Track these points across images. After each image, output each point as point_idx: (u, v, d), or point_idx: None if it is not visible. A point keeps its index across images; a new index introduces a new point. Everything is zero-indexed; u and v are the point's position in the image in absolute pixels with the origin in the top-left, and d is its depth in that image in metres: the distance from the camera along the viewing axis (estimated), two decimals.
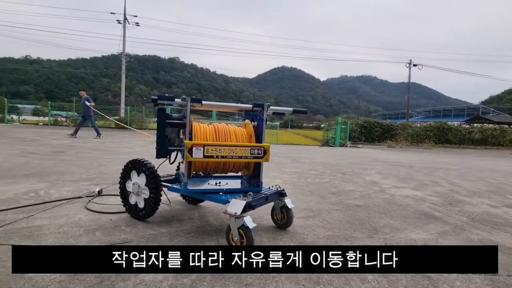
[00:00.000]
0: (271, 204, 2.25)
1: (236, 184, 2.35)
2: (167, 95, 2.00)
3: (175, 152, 2.34)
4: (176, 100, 1.99)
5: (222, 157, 1.99)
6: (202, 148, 1.93)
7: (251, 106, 2.27)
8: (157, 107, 2.12)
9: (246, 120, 2.42)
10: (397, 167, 6.58)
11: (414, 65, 30.86)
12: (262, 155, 2.11)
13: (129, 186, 2.35)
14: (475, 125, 19.50)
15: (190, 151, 1.91)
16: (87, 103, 10.22)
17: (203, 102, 2.08)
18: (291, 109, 2.51)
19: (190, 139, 2.05)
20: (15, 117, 20.87)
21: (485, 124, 20.73)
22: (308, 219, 2.56)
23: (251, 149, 2.09)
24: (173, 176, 2.50)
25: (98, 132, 10.25)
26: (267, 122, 2.32)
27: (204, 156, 1.95)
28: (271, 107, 2.28)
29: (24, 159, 4.95)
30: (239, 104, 2.35)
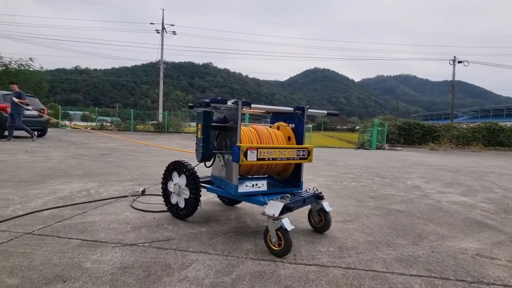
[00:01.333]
0: (308, 207, 2.24)
1: (265, 185, 2.37)
2: (219, 98, 2.00)
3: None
4: (228, 103, 2.00)
5: (273, 159, 2.02)
6: (255, 151, 1.96)
7: (292, 109, 2.32)
8: (202, 111, 2.15)
9: (280, 122, 2.44)
10: (442, 171, 6.15)
11: (459, 62, 28.71)
12: (306, 156, 2.17)
13: (171, 186, 2.46)
14: None
15: (245, 154, 1.93)
16: (14, 99, 8.64)
17: (252, 105, 2.12)
18: (325, 111, 2.52)
19: (239, 142, 2.08)
20: (67, 122, 22.86)
21: None
22: (346, 223, 2.49)
23: (297, 150, 2.13)
24: (209, 178, 2.57)
25: (31, 133, 8.98)
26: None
27: (258, 159, 1.97)
28: (309, 110, 2.30)
29: (76, 160, 5.41)
30: (282, 107, 2.38)
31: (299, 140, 2.27)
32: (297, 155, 2.14)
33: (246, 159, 1.93)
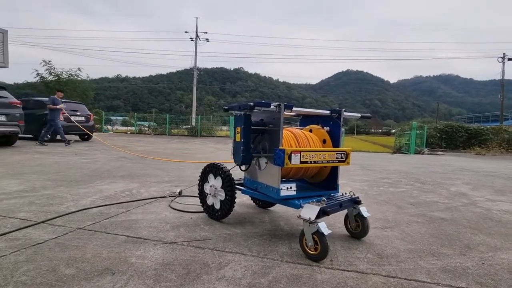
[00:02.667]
0: (344, 212, 2.19)
1: (294, 187, 2.33)
2: (263, 101, 1.99)
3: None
4: (272, 106, 2.00)
5: (315, 162, 2.02)
6: (299, 154, 1.96)
7: (328, 112, 2.31)
8: (242, 114, 2.15)
9: (312, 125, 2.42)
10: (491, 177, 5.66)
11: (510, 59, 26.35)
12: (344, 158, 2.16)
13: (207, 188, 2.54)
14: None
15: (290, 158, 1.93)
16: (51, 106, 9.02)
17: (293, 108, 2.11)
18: (358, 114, 2.47)
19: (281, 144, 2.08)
20: (109, 127, 24.49)
21: None
22: (385, 229, 2.39)
23: (336, 153, 2.13)
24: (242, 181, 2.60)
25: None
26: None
27: (301, 162, 1.97)
28: (346, 113, 2.28)
29: (119, 162, 5.78)
30: (320, 110, 2.37)
31: (336, 143, 2.25)
32: (336, 158, 2.12)
33: (291, 162, 1.92)
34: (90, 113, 11.42)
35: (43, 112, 9.95)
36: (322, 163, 2.06)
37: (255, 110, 2.00)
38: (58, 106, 9.05)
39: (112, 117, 28.61)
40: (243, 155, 2.17)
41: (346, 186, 4.16)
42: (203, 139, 18.15)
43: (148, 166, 5.42)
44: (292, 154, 1.93)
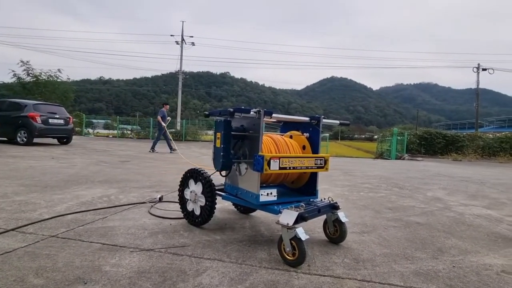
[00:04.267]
0: (323, 217, 2.22)
1: (274, 193, 2.34)
2: (243, 107, 2.00)
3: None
4: (251, 112, 2.01)
5: (294, 168, 2.04)
6: (278, 160, 1.97)
7: (308, 118, 2.35)
8: (222, 120, 2.16)
9: (293, 132, 2.46)
10: (465, 182, 5.90)
11: (484, 70, 27.70)
12: (323, 165, 2.19)
13: (187, 193, 2.52)
14: None
15: (269, 164, 1.94)
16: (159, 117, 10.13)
17: (273, 114, 2.13)
18: (337, 121, 2.51)
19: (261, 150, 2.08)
20: (90, 130, 23.79)
21: None
22: (362, 234, 2.44)
23: (315, 159, 2.16)
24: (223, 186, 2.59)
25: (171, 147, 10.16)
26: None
27: (280, 168, 1.98)
28: (325, 120, 2.33)
29: (98, 167, 5.62)
30: (300, 117, 2.40)
31: (315, 149, 2.28)
32: (315, 164, 2.16)
33: (270, 168, 1.94)
34: (70, 116, 11.07)
35: (19, 114, 9.57)
36: (301, 169, 2.09)
37: (235, 116, 2.00)
38: (162, 121, 9.95)
39: (93, 120, 27.83)
40: (223, 161, 2.17)
41: (327, 191, 4.22)
42: (187, 143, 17.95)
43: (128, 171, 5.30)
44: (271, 160, 1.94)
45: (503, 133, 16.75)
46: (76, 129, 17.17)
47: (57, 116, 10.22)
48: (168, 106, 10.65)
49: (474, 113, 30.24)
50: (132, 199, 3.24)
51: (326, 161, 2.20)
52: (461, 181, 6.04)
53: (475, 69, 28.06)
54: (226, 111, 2.00)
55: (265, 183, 2.32)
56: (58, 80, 20.39)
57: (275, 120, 2.43)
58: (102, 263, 1.70)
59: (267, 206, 2.07)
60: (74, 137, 12.57)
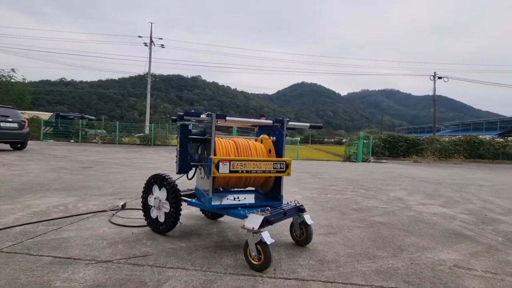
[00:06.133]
0: (290, 220, 2.23)
1: (251, 198, 2.36)
2: (193, 111, 2.03)
3: (194, 168, 2.39)
4: (202, 116, 2.02)
5: (247, 172, 2.02)
6: (228, 163, 1.96)
7: (271, 122, 2.32)
8: (179, 124, 2.18)
9: (263, 135, 2.45)
10: (424, 183, 6.29)
11: (439, 78, 29.92)
12: (284, 169, 2.14)
13: (151, 200, 2.41)
14: (509, 138, 18.34)
15: (217, 166, 1.93)
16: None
17: (227, 118, 2.12)
18: (308, 124, 2.53)
19: (214, 154, 2.08)
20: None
21: None
22: (328, 236, 2.49)
23: (274, 163, 2.12)
24: (193, 191, 2.54)
25: None
26: (287, 137, 2.35)
27: (230, 171, 1.97)
28: (290, 123, 2.32)
29: (56, 174, 5.24)
30: (260, 120, 2.40)
31: (279, 153, 2.28)
32: (274, 168, 2.12)
33: (218, 171, 1.93)
34: (25, 119, 10.25)
35: None
36: (256, 173, 2.06)
37: (185, 120, 2.05)
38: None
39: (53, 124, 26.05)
40: (180, 164, 2.20)
41: (296, 194, 4.27)
42: (156, 148, 17.39)
43: (90, 178, 5.00)
44: (220, 163, 1.94)
45: (457, 136, 18.19)
46: (34, 133, 15.94)
47: (10, 120, 9.42)
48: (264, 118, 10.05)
49: (432, 118, 32.51)
50: (92, 208, 3.05)
51: (287, 166, 2.16)
52: (420, 182, 6.43)
53: (431, 77, 30.22)
54: (178, 115, 2.04)
55: (226, 187, 2.31)
56: (12, 80, 18.88)
57: (230, 123, 2.38)
58: (52, 278, 1.56)
59: (230, 211, 2.04)
60: (30, 142, 11.67)
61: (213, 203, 2.05)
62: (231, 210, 2.04)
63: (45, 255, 1.85)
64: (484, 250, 2.31)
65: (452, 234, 2.70)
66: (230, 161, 1.96)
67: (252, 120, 2.39)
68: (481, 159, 15.73)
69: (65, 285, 1.50)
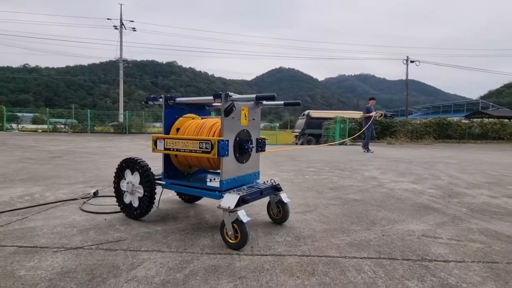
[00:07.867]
0: (267, 199, 2.24)
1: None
2: (152, 95, 2.24)
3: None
4: (160, 99, 2.21)
5: (177, 150, 2.04)
6: (163, 141, 2.05)
7: (211, 97, 1.98)
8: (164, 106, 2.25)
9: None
10: (396, 162, 6.55)
11: (412, 62, 30.87)
12: (209, 149, 1.86)
13: (123, 185, 2.33)
14: (475, 120, 19.47)
15: (156, 143, 2.07)
16: (366, 114, 9.56)
17: (177, 99, 2.23)
18: (282, 102, 2.31)
19: (168, 132, 2.20)
20: (14, 125, 20.88)
21: (485, 119, 20.66)
22: (305, 213, 2.53)
23: (199, 142, 1.91)
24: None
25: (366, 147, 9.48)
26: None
27: (165, 149, 2.06)
28: (234, 96, 1.95)
29: (21, 164, 4.94)
30: (204, 98, 2.17)
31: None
32: (199, 148, 1.91)
33: (156, 147, 2.08)
34: None
35: None
36: (185, 151, 2.00)
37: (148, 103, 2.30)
38: (370, 114, 9.37)
39: (19, 114, 24.44)
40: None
41: (274, 176, 4.31)
42: (132, 136, 16.84)
43: (59, 167, 4.76)
44: (157, 141, 2.07)
45: (428, 119, 19.01)
46: None
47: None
48: (373, 101, 9.70)
49: (405, 102, 33.73)
50: (61, 197, 2.91)
51: (213, 146, 1.84)
52: (393, 162, 6.69)
53: (404, 61, 31.11)
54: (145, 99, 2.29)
55: (190, 168, 2.38)
56: None
57: (184, 104, 2.28)
58: (16, 267, 1.47)
59: (205, 192, 2.03)
60: None
61: (169, 183, 2.17)
62: (205, 191, 2.04)
63: (8, 245, 1.74)
64: (449, 220, 2.45)
65: (421, 207, 2.84)
66: (164, 139, 2.05)
67: (198, 98, 2.24)
68: (449, 139, 16.62)
69: (31, 273, 1.42)
